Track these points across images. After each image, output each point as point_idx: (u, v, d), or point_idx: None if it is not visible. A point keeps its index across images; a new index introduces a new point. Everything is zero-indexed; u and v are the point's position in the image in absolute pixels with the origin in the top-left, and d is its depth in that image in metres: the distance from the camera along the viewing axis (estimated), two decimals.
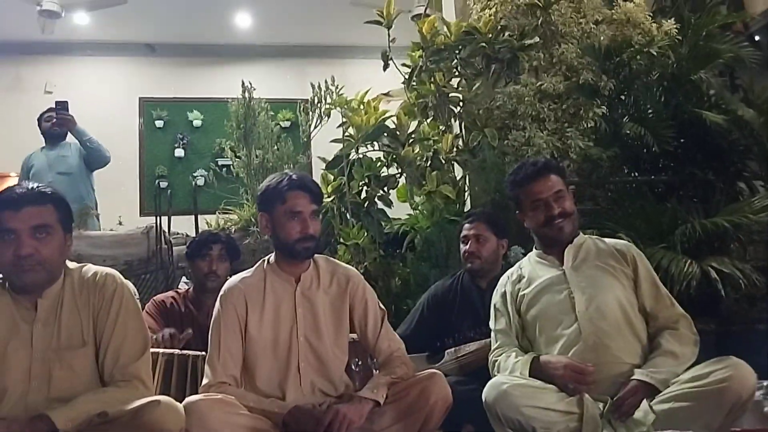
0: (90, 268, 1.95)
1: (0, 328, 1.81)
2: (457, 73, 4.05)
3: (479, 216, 3.00)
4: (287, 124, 7.54)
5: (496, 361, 2.29)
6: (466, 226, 2.93)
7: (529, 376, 2.13)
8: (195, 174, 7.67)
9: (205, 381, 2.05)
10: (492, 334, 2.40)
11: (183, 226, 4.92)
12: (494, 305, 2.43)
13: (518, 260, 2.99)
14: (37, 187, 1.85)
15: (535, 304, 2.30)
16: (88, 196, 4.88)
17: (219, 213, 4.73)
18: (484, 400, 2.08)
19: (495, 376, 2.23)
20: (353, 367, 2.40)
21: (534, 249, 2.44)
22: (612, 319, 2.17)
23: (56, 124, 4.76)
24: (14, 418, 1.68)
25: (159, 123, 8.21)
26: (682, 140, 3.63)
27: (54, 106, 4.81)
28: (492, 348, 2.37)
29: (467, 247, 2.88)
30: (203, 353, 2.20)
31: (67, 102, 4.81)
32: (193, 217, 4.92)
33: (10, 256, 1.77)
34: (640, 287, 2.25)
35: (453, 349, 2.72)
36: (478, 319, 2.72)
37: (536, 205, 2.29)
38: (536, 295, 2.31)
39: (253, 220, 4.24)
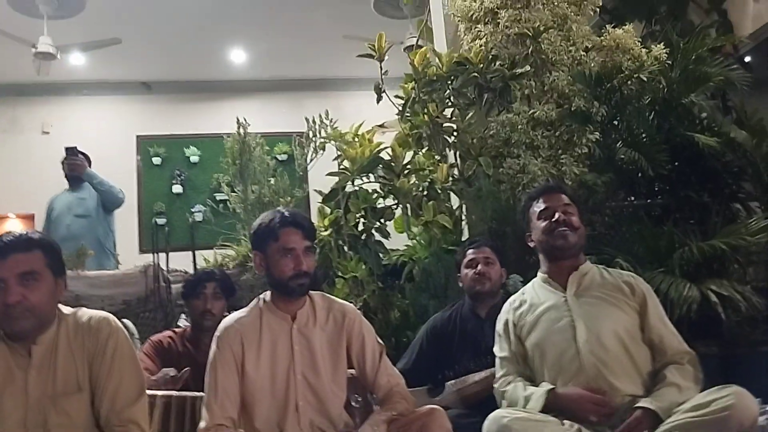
0: (84, 313, 1.94)
1: None
2: (450, 104, 4.06)
3: (484, 241, 3.03)
4: (283, 157, 7.58)
5: (505, 391, 2.27)
6: (472, 250, 2.94)
7: (543, 407, 2.11)
8: (193, 210, 7.69)
9: (202, 424, 2.03)
10: (496, 360, 2.39)
11: (181, 262, 4.92)
12: (497, 332, 2.42)
13: (516, 289, 3.00)
14: (26, 234, 1.86)
15: (535, 331, 2.30)
16: (106, 238, 4.98)
17: (217, 249, 4.73)
18: None
19: (503, 406, 2.22)
20: (353, 403, 2.38)
21: (539, 273, 2.44)
22: (613, 351, 2.16)
23: (68, 168, 4.88)
24: None
25: (156, 160, 8.26)
26: (676, 163, 3.63)
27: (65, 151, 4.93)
28: (497, 375, 2.35)
29: (477, 269, 2.86)
30: (201, 394, 2.18)
31: (76, 147, 4.96)
32: (191, 253, 4.92)
33: (0, 305, 1.77)
34: (648, 322, 2.24)
35: (454, 381, 2.69)
36: (479, 349, 2.71)
37: (543, 214, 2.34)
38: (537, 320, 2.31)
39: (250, 255, 4.23)
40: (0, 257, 1.78)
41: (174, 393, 2.44)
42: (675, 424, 1.93)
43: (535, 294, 2.39)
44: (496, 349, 2.41)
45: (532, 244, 2.43)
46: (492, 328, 2.68)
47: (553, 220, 2.31)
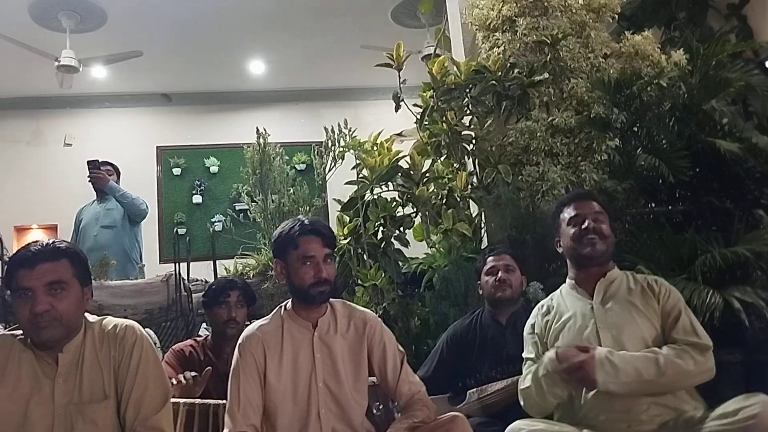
0: (110, 321, 1.97)
1: (22, 385, 1.83)
2: (468, 112, 4.07)
3: (504, 249, 3.03)
4: (302, 166, 7.62)
5: (526, 378, 2.28)
6: (493, 258, 2.93)
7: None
8: (213, 220, 7.76)
9: (225, 431, 2.05)
10: (524, 361, 2.38)
11: (202, 272, 4.95)
12: (525, 333, 2.42)
13: (537, 296, 2.99)
14: (53, 243, 1.88)
15: (561, 338, 2.29)
16: (132, 248, 5.06)
17: (237, 258, 4.75)
18: None
19: (528, 399, 2.24)
20: (374, 411, 2.38)
21: (567, 279, 2.44)
22: None
23: (91, 181, 4.96)
24: None
25: (176, 171, 8.32)
26: (697, 170, 3.60)
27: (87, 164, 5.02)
28: (523, 374, 2.34)
29: (498, 276, 2.85)
30: (224, 402, 2.19)
31: (97, 160, 5.03)
32: (211, 262, 4.95)
33: (27, 314, 1.79)
34: (667, 320, 2.22)
35: (475, 389, 2.69)
36: (500, 357, 2.71)
37: (573, 221, 2.34)
38: (562, 327, 2.30)
39: (270, 264, 4.25)
40: (28, 267, 1.81)
41: (198, 401, 2.46)
42: None
43: (562, 300, 2.39)
44: (525, 353, 2.40)
45: (560, 250, 2.42)
46: (513, 336, 2.69)
47: (583, 227, 2.31)
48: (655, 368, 2.07)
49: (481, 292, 2.98)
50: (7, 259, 1.94)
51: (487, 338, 2.82)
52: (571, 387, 2.15)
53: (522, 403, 2.28)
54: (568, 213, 2.38)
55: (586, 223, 2.30)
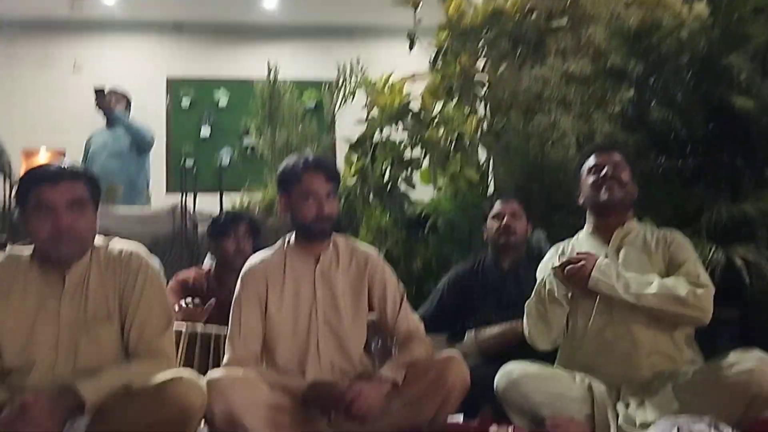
0: (116, 244, 2.00)
1: (28, 302, 1.86)
2: (483, 55, 4.00)
3: (511, 195, 3.01)
4: (312, 104, 7.54)
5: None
6: (500, 204, 2.93)
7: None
8: (220, 153, 7.72)
9: (226, 358, 2.09)
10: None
11: (208, 206, 4.97)
12: (539, 272, 2.43)
13: (540, 245, 3.01)
14: (70, 164, 1.93)
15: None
16: (139, 177, 5.06)
17: (243, 192, 4.76)
18: (495, 387, 2.13)
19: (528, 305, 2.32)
20: (372, 346, 2.42)
21: (585, 227, 2.45)
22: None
23: (97, 110, 4.93)
24: (42, 389, 1.71)
25: (185, 102, 8.25)
26: (710, 125, 3.56)
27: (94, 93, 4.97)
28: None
29: (503, 222, 2.86)
30: (226, 331, 2.23)
31: (103, 90, 4.96)
32: (218, 196, 4.96)
33: (49, 229, 1.81)
34: (673, 267, 2.23)
35: (474, 331, 2.72)
36: (500, 302, 2.74)
37: (593, 169, 2.36)
38: None
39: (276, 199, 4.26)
40: (51, 183, 1.83)
41: (199, 329, 2.50)
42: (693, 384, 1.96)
43: (578, 245, 2.41)
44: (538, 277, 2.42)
45: (581, 201, 2.43)
46: (514, 282, 2.71)
47: (602, 175, 2.32)
48: (648, 285, 2.13)
49: (486, 237, 2.98)
50: (18, 179, 1.96)
51: (488, 282, 2.84)
52: (568, 287, 2.23)
53: (525, 321, 2.32)
54: (588, 163, 2.40)
55: (605, 171, 2.32)
